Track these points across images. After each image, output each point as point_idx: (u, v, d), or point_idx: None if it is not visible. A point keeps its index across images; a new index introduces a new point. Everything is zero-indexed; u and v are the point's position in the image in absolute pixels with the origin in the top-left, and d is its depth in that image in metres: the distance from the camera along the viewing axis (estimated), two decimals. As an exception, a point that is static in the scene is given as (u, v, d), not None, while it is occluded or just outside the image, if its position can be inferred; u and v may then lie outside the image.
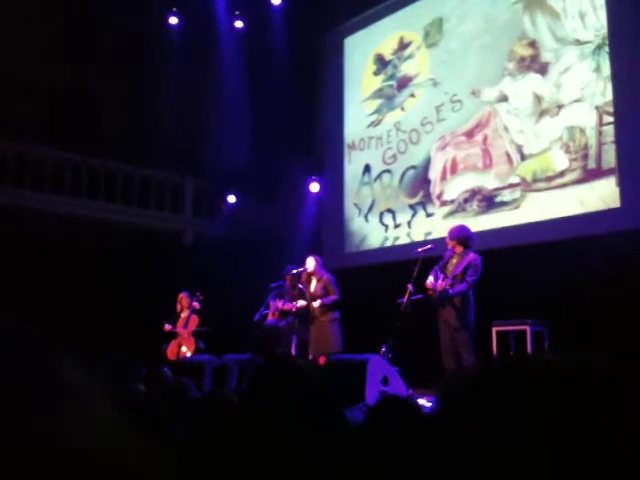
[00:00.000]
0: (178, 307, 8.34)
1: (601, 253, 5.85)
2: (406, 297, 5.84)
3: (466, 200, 7.90)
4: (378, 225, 9.06)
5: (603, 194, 6.60)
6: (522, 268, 6.66)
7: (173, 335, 8.18)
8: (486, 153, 7.79)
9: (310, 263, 6.93)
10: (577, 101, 6.94)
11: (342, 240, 9.49)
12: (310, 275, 6.95)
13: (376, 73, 9.54)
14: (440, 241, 6.22)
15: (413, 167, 8.69)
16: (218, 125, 10.38)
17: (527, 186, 7.30)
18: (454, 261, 5.79)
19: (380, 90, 9.43)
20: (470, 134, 8.00)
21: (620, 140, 6.51)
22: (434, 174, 8.39)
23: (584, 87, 6.89)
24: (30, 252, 9.06)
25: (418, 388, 6.02)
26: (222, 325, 8.32)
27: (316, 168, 9.98)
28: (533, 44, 7.48)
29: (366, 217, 9.26)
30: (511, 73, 7.66)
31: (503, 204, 7.51)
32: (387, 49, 9.39)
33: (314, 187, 9.87)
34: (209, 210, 11.53)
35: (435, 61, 8.64)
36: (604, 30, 6.78)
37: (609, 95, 6.66)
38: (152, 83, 10.75)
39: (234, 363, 7.00)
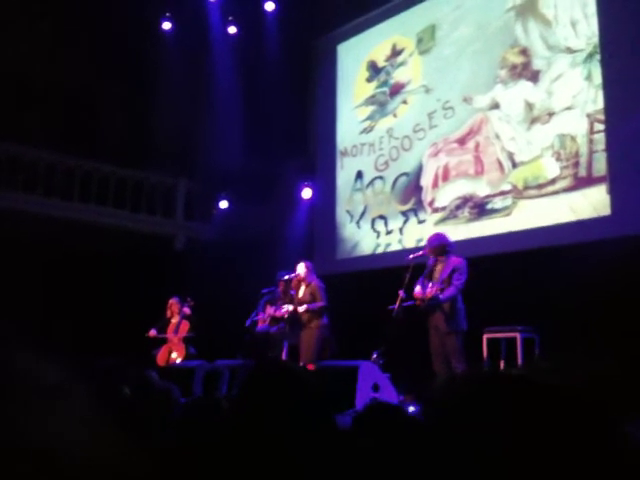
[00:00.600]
0: (168, 313, 8.31)
1: (592, 260, 5.87)
2: (398, 303, 5.85)
3: (458, 207, 7.92)
4: (370, 231, 9.06)
5: (594, 202, 6.63)
6: (513, 275, 6.68)
7: (164, 341, 8.14)
8: (478, 160, 7.82)
9: (301, 269, 6.94)
10: (568, 109, 6.98)
11: (334, 246, 9.49)
12: (300, 281, 6.96)
13: (369, 80, 9.56)
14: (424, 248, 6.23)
15: (405, 174, 8.71)
16: (211, 129, 10.38)
17: (518, 193, 7.32)
18: (439, 267, 5.83)
19: (373, 97, 9.45)
20: (462, 141, 8.02)
21: (611, 148, 6.55)
22: (426, 181, 8.41)
23: (575, 95, 6.94)
24: (20, 255, 9.00)
25: (409, 395, 6.01)
26: (213, 331, 8.30)
27: (308, 172, 9.99)
28: (525, 52, 7.52)
29: (358, 223, 9.27)
30: (503, 80, 7.70)
31: (495, 211, 7.54)
32: (380, 56, 9.42)
33: (307, 193, 9.87)
34: (201, 214, 11.50)
35: (428, 68, 8.67)
36: (595, 38, 6.83)
37: (600, 103, 6.71)
38: (145, 87, 10.74)
39: (225, 369, 6.97)
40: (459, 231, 7.66)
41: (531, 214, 7.14)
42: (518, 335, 6.12)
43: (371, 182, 9.20)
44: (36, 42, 10.19)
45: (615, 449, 0.44)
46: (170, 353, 8.01)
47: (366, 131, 9.42)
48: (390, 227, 8.78)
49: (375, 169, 9.16)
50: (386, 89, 9.26)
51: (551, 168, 7.04)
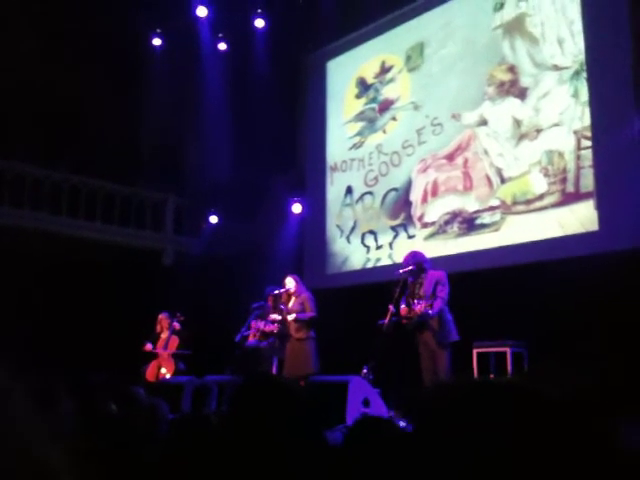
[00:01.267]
0: (158, 328, 8.26)
1: (580, 275, 5.91)
2: (388, 318, 5.84)
3: (447, 222, 7.96)
4: (360, 246, 9.08)
5: (582, 217, 6.68)
6: (503, 290, 6.71)
7: (153, 356, 8.09)
8: (466, 176, 7.87)
9: (290, 283, 6.95)
10: (556, 125, 7.06)
11: (324, 261, 9.50)
12: (290, 295, 6.96)
13: (358, 96, 9.63)
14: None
15: (394, 189, 8.75)
16: (200, 144, 10.40)
17: (507, 209, 7.37)
18: (419, 284, 5.84)
19: (362, 113, 9.51)
20: (451, 157, 8.08)
21: (598, 164, 6.62)
22: (415, 196, 8.45)
23: (562, 112, 7.01)
24: (7, 269, 8.93)
25: (399, 410, 5.99)
26: (202, 346, 8.25)
27: (298, 187, 10.01)
28: (512, 69, 7.61)
29: (348, 238, 9.29)
30: (491, 97, 7.77)
31: (483, 226, 7.58)
32: (369, 72, 9.49)
33: (296, 208, 9.89)
34: (190, 228, 11.48)
35: (416, 85, 8.75)
36: (582, 56, 6.93)
37: (587, 120, 6.78)
38: (134, 101, 10.75)
39: (214, 384, 6.93)
40: (448, 246, 7.70)
41: (519, 229, 7.19)
42: (508, 350, 6.14)
43: (361, 197, 9.23)
44: (24, 56, 10.18)
45: (611, 453, 0.44)
46: (159, 368, 7.96)
47: (356, 147, 9.47)
48: (380, 242, 8.80)
49: (365, 184, 9.20)
50: (375, 105, 9.32)
51: (539, 184, 7.10)
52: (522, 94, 7.45)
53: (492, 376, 6.14)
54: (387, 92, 9.17)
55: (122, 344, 8.22)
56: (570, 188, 6.84)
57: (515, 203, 7.30)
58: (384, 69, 9.26)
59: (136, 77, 10.67)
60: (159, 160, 11.08)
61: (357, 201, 9.28)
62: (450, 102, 8.18)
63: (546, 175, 7.06)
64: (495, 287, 6.76)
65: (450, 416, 0.50)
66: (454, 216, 7.89)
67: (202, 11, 10.25)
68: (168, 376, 7.81)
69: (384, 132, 9.10)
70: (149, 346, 8.07)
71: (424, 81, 8.62)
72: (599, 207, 6.55)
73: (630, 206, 6.22)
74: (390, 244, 8.65)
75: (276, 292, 7.08)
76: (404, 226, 8.51)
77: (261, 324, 7.21)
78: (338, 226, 9.48)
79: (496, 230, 7.44)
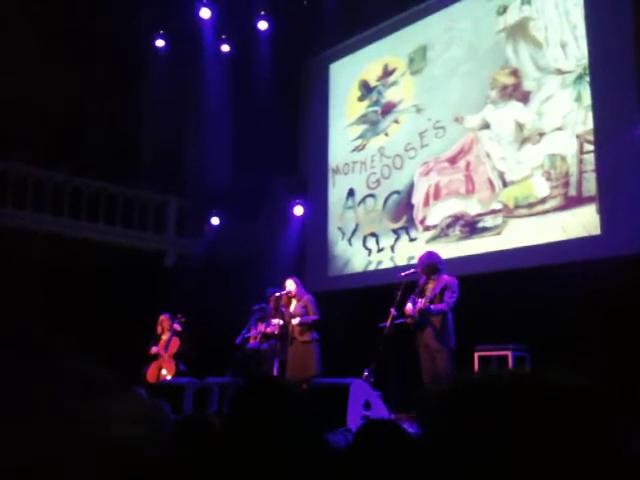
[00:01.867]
0: (159, 329, 8.25)
1: (582, 279, 5.91)
2: (389, 321, 5.84)
3: (449, 225, 7.96)
4: (361, 249, 9.08)
5: (584, 221, 6.68)
6: (504, 293, 6.70)
7: (154, 357, 8.08)
8: (469, 179, 7.87)
9: (290, 285, 6.95)
10: (558, 129, 7.05)
11: (325, 263, 9.50)
12: (291, 297, 6.95)
13: (361, 99, 9.63)
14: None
15: (397, 192, 8.75)
16: (202, 146, 10.40)
17: (509, 212, 7.37)
18: (430, 286, 5.85)
19: (364, 116, 9.52)
20: (453, 160, 8.08)
21: (600, 168, 6.61)
22: (417, 199, 8.45)
23: (565, 115, 7.01)
24: (10, 270, 8.94)
25: (400, 413, 5.99)
26: (204, 347, 8.25)
27: (300, 190, 10.01)
28: (515, 72, 7.61)
29: (350, 241, 9.28)
30: (493, 101, 7.77)
31: (485, 230, 7.57)
32: (372, 75, 9.50)
33: (298, 210, 9.89)
34: (192, 230, 11.49)
35: (419, 88, 8.75)
36: (585, 60, 6.93)
37: (590, 124, 6.78)
38: (136, 103, 10.76)
39: (215, 386, 6.93)
40: (450, 249, 7.69)
41: (522, 233, 7.18)
42: (510, 353, 6.13)
43: (363, 200, 9.23)
44: (24, 59, 10.20)
45: (611, 454, 0.44)
46: (160, 370, 7.95)
47: (358, 149, 9.48)
48: (382, 245, 8.80)
49: (367, 187, 9.20)
50: (378, 108, 9.33)
51: (541, 187, 7.10)
52: (525, 98, 7.45)
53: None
54: (390, 95, 9.17)
55: (123, 345, 8.22)
56: (572, 192, 6.83)
57: (517, 207, 7.30)
58: (387, 72, 9.26)
59: (138, 78, 10.67)
60: (161, 162, 11.09)
61: (359, 204, 9.28)
62: (453, 105, 8.18)
63: (548, 179, 7.05)
64: (497, 291, 6.76)
65: (458, 419, 0.50)
66: (456, 219, 7.89)
67: (206, 13, 10.26)
68: (169, 377, 7.81)
69: (386, 135, 9.11)
70: (155, 349, 8.06)
71: (427, 84, 8.62)
72: (601, 211, 6.54)
73: (633, 210, 6.21)
74: (392, 247, 8.64)
75: (277, 294, 7.08)
76: (406, 229, 8.51)
77: (262, 326, 7.20)
78: (340, 228, 9.48)
79: (498, 234, 7.43)
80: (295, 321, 6.73)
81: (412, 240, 8.39)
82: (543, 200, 7.06)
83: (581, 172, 6.79)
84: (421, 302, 5.69)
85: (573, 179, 6.84)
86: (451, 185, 8.04)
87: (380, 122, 9.24)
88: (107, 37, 10.11)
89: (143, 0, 9.84)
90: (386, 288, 6.38)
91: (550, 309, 6.14)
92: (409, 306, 5.79)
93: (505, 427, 0.47)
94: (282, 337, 6.92)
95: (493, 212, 7.53)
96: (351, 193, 9.42)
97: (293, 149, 10.41)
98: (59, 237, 9.94)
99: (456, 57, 8.27)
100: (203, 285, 9.53)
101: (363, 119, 9.53)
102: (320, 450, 1.39)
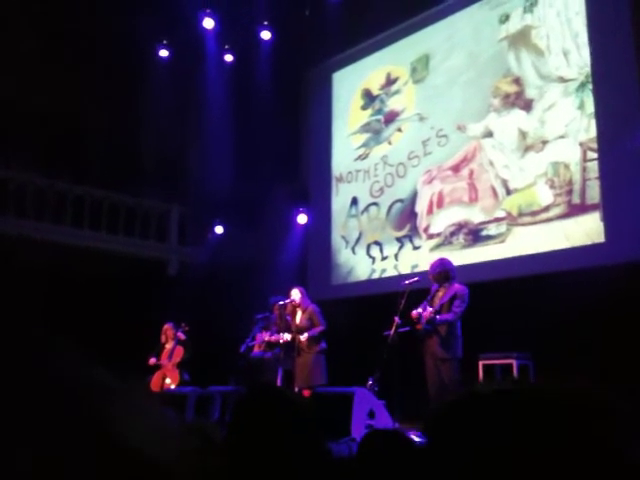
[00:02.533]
0: (162, 338, 8.24)
1: (586, 287, 5.88)
2: (393, 329, 5.82)
3: (452, 233, 7.95)
4: (365, 257, 9.07)
5: (588, 229, 6.66)
6: (508, 301, 6.68)
7: (158, 366, 8.07)
8: (472, 187, 7.86)
9: (295, 294, 6.91)
10: (561, 137, 7.05)
11: (329, 272, 9.49)
12: (295, 307, 6.92)
13: (364, 107, 9.65)
14: (427, 274, 6.23)
15: (400, 200, 8.75)
16: (204, 154, 10.42)
17: (513, 220, 7.36)
18: (440, 294, 5.82)
19: (367, 124, 9.54)
20: (456, 168, 8.08)
21: (604, 176, 6.60)
22: (421, 207, 8.44)
23: (568, 123, 7.01)
24: (11, 279, 8.94)
25: (404, 422, 5.95)
26: (206, 356, 8.23)
27: (302, 198, 10.02)
28: (518, 81, 7.62)
29: (353, 249, 9.28)
30: (496, 109, 7.78)
31: (489, 238, 7.56)
32: (375, 84, 9.52)
33: (301, 219, 9.89)
34: (194, 239, 11.49)
35: (422, 96, 8.77)
36: (587, 68, 6.93)
37: (593, 132, 6.78)
38: (138, 111, 10.79)
39: (217, 394, 6.90)
40: (454, 257, 7.63)
41: (525, 241, 7.17)
42: (514, 362, 6.11)
43: (366, 208, 9.23)
44: (27, 67, 10.24)
45: (611, 457, 0.44)
46: (164, 379, 7.93)
47: (361, 158, 9.49)
48: (385, 253, 8.79)
49: (370, 195, 9.20)
50: (380, 117, 9.35)
51: (545, 195, 7.09)
52: (527, 106, 7.46)
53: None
54: (393, 103, 9.19)
55: (126, 354, 8.20)
56: (576, 200, 6.82)
57: (521, 214, 7.29)
58: (390, 81, 9.29)
59: (141, 87, 10.70)
60: (164, 170, 11.10)
61: (362, 212, 9.28)
62: (456, 114, 8.19)
63: (552, 187, 7.04)
64: (501, 299, 6.73)
65: (462, 429, 0.49)
66: (460, 227, 7.88)
67: (209, 23, 10.31)
68: (173, 387, 7.79)
69: (389, 143, 9.12)
70: (153, 360, 8.04)
71: (430, 93, 8.64)
72: (605, 219, 6.53)
73: (636, 218, 6.20)
74: (395, 255, 8.63)
75: (281, 303, 7.05)
76: (409, 237, 8.50)
77: (266, 334, 7.19)
78: (343, 237, 9.47)
79: (502, 241, 7.42)
80: (303, 337, 6.69)
81: (416, 248, 8.38)
82: (547, 208, 7.05)
83: (584, 180, 6.78)
84: (429, 311, 5.66)
85: (576, 187, 6.84)
86: (454, 193, 8.03)
87: (383, 131, 9.26)
88: (110, 47, 10.15)
89: (146, 11, 9.88)
90: (390, 296, 6.36)
91: (554, 317, 6.11)
92: (418, 310, 5.74)
93: (507, 437, 0.46)
94: (286, 346, 6.89)
95: (497, 220, 7.52)
96: (354, 201, 9.43)
97: (295, 157, 10.43)
98: (60, 246, 9.95)
99: (458, 65, 8.29)
100: (206, 293, 9.53)
101: (366, 128, 9.54)
102: (323, 460, 1.38)
